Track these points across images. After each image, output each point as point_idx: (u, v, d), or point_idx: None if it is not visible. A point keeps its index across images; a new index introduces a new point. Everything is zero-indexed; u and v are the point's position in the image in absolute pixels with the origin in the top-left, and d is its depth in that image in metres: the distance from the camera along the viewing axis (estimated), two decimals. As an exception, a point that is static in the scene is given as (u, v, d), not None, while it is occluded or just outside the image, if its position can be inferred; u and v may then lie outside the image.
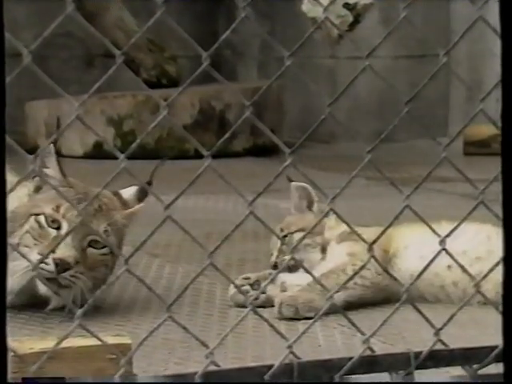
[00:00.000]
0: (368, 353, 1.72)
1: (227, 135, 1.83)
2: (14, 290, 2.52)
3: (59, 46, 6.69)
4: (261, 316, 1.76)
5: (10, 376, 1.92)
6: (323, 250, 2.87)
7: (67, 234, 2.52)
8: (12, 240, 2.56)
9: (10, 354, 1.89)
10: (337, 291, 2.31)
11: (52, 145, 2.66)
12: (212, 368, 1.65)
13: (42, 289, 2.56)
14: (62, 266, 2.51)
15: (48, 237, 2.58)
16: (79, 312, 1.61)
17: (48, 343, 1.93)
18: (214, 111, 5.97)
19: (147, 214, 3.86)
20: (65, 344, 1.79)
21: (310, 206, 2.97)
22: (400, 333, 2.45)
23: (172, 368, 2.19)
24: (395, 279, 2.30)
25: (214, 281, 2.93)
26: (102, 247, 2.62)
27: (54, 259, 2.50)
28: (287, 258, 2.80)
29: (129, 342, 2.00)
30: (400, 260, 2.79)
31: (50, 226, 2.60)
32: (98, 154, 5.74)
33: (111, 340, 1.91)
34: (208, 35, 5.93)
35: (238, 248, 3.41)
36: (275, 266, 2.85)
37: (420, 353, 1.76)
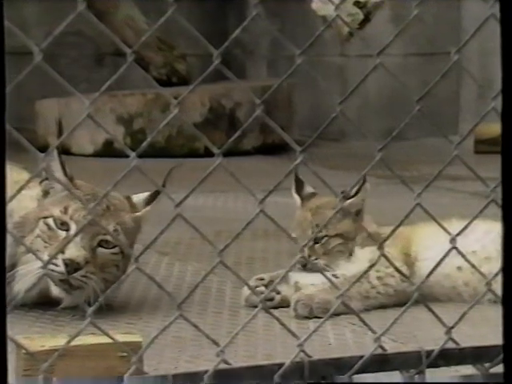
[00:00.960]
0: (379, 351, 1.71)
1: (238, 133, 1.82)
2: (24, 290, 2.53)
3: (69, 45, 6.69)
4: (272, 314, 1.76)
5: (21, 373, 1.92)
6: (350, 255, 2.84)
7: (76, 235, 2.53)
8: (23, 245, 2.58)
9: (21, 352, 1.90)
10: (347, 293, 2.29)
11: (55, 150, 2.66)
12: (223, 366, 1.64)
13: (55, 290, 2.57)
14: (71, 266, 2.52)
15: (58, 239, 2.59)
16: (90, 310, 1.61)
17: (59, 341, 1.93)
18: (224, 110, 5.97)
19: (157, 212, 3.87)
20: (76, 342, 1.79)
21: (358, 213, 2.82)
22: (411, 331, 2.44)
23: (182, 366, 2.19)
24: (407, 278, 2.29)
25: (223, 279, 2.93)
26: (113, 247, 2.63)
27: (63, 260, 2.51)
28: (321, 262, 2.78)
29: (139, 340, 2.00)
30: (422, 263, 2.76)
31: (59, 228, 2.61)
32: (108, 152, 5.74)
33: (122, 338, 1.92)
34: (218, 34, 5.92)
35: (247, 246, 3.41)
36: (305, 266, 2.79)
37: (431, 351, 1.75)
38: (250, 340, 2.38)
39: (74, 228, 2.59)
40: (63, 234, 2.60)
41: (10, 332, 1.60)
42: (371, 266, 1.90)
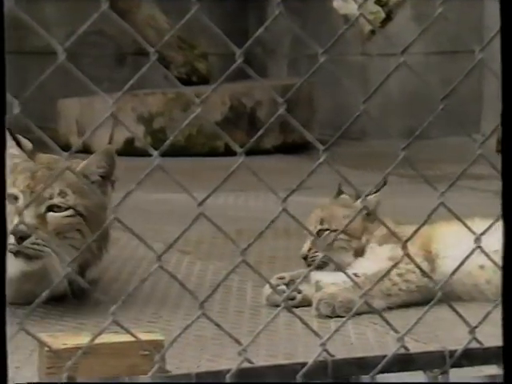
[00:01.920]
0: (402, 351, 1.70)
1: (261, 132, 1.82)
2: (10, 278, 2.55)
3: (91, 44, 6.72)
4: (294, 313, 1.75)
5: (44, 371, 1.93)
6: (357, 254, 2.83)
7: (26, 205, 2.52)
8: None
9: (45, 349, 1.91)
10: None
11: (6, 129, 2.69)
12: (245, 365, 1.64)
13: (16, 264, 2.55)
14: (17, 234, 2.51)
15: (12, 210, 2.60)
16: (113, 308, 1.62)
17: (81, 339, 1.94)
18: (245, 108, 5.97)
19: (178, 211, 3.87)
20: (98, 340, 1.80)
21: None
22: (433, 331, 2.43)
23: (204, 365, 2.19)
24: (430, 277, 2.28)
25: (244, 278, 2.93)
26: (65, 209, 2.60)
27: (10, 231, 2.50)
28: (319, 256, 2.79)
29: (161, 338, 2.01)
30: (443, 260, 2.75)
31: (10, 203, 2.59)
32: (129, 151, 5.75)
33: (144, 336, 1.92)
34: (238, 33, 5.93)
35: (268, 245, 3.41)
36: (305, 259, 2.82)
37: (455, 351, 1.74)
38: (271, 339, 2.38)
39: (21, 198, 2.60)
40: (14, 204, 2.59)
41: (32, 330, 1.61)
42: (395, 265, 1.89)
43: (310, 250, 2.83)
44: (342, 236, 2.79)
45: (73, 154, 1.64)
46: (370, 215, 2.78)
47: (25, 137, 2.79)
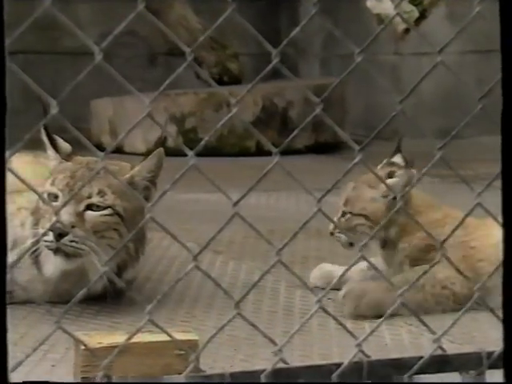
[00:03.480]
0: (439, 352, 1.69)
1: (296, 132, 1.82)
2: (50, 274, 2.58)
3: (123, 45, 6.74)
4: (329, 314, 1.75)
5: (79, 369, 1.94)
6: (384, 245, 2.78)
7: (65, 203, 2.55)
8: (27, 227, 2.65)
9: (80, 348, 1.92)
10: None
11: (42, 128, 2.73)
12: (280, 365, 1.64)
13: (55, 262, 2.57)
14: (55, 231, 2.53)
15: (51, 211, 2.61)
16: (148, 308, 1.62)
17: (116, 338, 1.95)
18: (277, 109, 5.97)
19: (209, 211, 3.88)
20: (133, 339, 1.80)
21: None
22: (469, 332, 2.41)
23: (238, 365, 2.19)
24: (468, 279, 2.25)
25: (278, 278, 2.93)
26: (103, 209, 2.63)
27: (49, 228, 2.53)
28: (342, 237, 2.77)
29: (196, 338, 2.01)
30: (483, 263, 2.69)
31: (52, 201, 2.63)
32: (161, 151, 5.78)
33: (179, 336, 1.93)
34: (270, 33, 5.93)
35: (301, 245, 3.40)
36: (332, 234, 2.80)
37: (492, 353, 1.73)
38: (305, 339, 2.38)
39: (61, 196, 2.63)
40: (54, 205, 2.61)
41: (67, 328, 1.62)
42: (431, 266, 1.88)
43: (334, 228, 2.78)
44: (361, 220, 2.76)
45: (108, 154, 1.64)
46: (395, 200, 2.71)
47: (61, 137, 2.81)
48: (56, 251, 2.57)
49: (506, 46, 1.53)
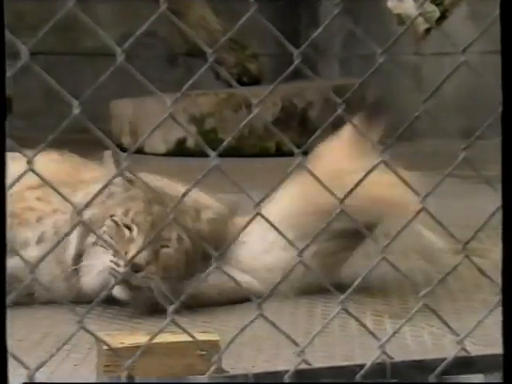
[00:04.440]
0: (462, 354, 1.69)
1: (318, 133, 1.82)
2: (90, 289, 2.59)
3: (142, 45, 6.76)
4: (351, 315, 1.74)
5: (102, 369, 1.95)
6: None
7: (143, 240, 2.58)
8: (90, 240, 2.64)
9: (103, 348, 1.92)
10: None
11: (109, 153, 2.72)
12: (303, 366, 1.64)
13: (116, 289, 2.59)
14: (133, 268, 2.56)
15: (122, 238, 2.63)
16: (171, 308, 1.62)
17: (138, 338, 1.95)
18: (296, 109, 5.96)
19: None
20: (155, 339, 1.81)
21: None
22: (492, 334, 2.40)
23: (260, 366, 2.19)
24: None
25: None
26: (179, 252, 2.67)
27: (126, 261, 2.56)
28: None
29: (217, 338, 2.01)
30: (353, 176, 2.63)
31: (122, 232, 2.64)
32: (180, 151, 5.78)
33: (199, 337, 1.93)
34: (290, 33, 5.93)
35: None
36: None
37: (516, 354, 1.71)
38: (327, 340, 2.37)
39: (135, 230, 2.63)
40: (127, 233, 2.63)
41: (90, 328, 1.62)
42: (455, 267, 1.87)
43: None
44: None
45: (131, 155, 1.65)
46: None
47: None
48: (123, 281, 2.58)
49: (506, 46, 1.53)
